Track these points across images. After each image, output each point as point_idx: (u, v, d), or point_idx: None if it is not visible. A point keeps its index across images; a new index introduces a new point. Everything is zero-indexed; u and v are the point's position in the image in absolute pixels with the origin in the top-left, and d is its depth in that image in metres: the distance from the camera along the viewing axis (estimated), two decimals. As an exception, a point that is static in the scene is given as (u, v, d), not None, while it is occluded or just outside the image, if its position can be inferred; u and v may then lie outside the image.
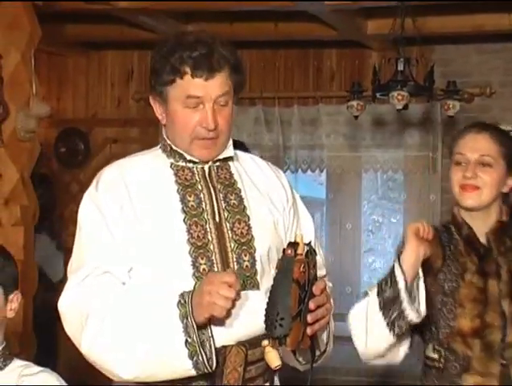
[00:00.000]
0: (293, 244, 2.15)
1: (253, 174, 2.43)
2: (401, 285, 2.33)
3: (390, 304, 2.35)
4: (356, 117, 4.99)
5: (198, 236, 2.25)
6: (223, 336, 2.19)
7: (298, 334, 2.12)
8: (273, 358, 2.12)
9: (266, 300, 2.15)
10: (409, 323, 2.36)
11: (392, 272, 2.36)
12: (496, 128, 2.57)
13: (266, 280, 2.25)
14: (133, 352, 2.14)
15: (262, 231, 2.32)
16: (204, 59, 2.25)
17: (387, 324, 2.36)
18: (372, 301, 2.39)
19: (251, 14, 5.31)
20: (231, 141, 2.40)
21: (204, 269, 2.23)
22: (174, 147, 2.35)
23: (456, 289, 2.43)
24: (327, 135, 6.03)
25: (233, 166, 2.41)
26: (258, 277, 2.26)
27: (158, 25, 5.39)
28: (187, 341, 2.12)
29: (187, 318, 2.12)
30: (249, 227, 2.30)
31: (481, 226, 2.49)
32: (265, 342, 2.13)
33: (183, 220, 2.26)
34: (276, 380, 2.39)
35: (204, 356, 2.12)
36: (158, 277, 2.21)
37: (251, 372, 2.28)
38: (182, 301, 2.13)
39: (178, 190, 2.30)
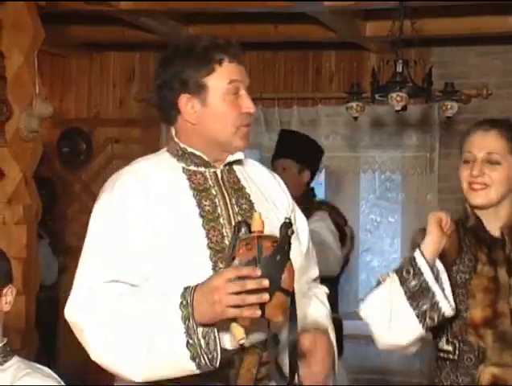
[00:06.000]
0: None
1: (258, 180, 2.45)
2: (428, 276, 2.29)
3: (418, 295, 2.30)
4: (355, 119, 5.00)
5: (216, 241, 2.25)
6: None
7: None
8: (238, 332, 2.08)
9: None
10: (442, 316, 2.31)
11: (413, 261, 2.31)
12: (505, 124, 2.50)
13: None
14: (138, 356, 2.13)
15: None
16: (232, 46, 2.36)
17: (417, 315, 2.31)
18: (396, 292, 2.33)
19: (251, 15, 5.34)
20: None
21: None
22: (189, 150, 2.34)
23: (468, 280, 2.38)
24: (326, 136, 6.05)
25: (238, 170, 2.42)
26: None
27: (160, 26, 5.42)
28: (188, 342, 2.10)
29: (188, 320, 2.09)
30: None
31: (493, 221, 2.45)
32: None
33: (202, 225, 2.26)
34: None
35: (206, 357, 2.09)
36: (179, 282, 2.16)
37: (261, 373, 2.30)
38: (184, 303, 2.10)
39: (194, 195, 2.30)
